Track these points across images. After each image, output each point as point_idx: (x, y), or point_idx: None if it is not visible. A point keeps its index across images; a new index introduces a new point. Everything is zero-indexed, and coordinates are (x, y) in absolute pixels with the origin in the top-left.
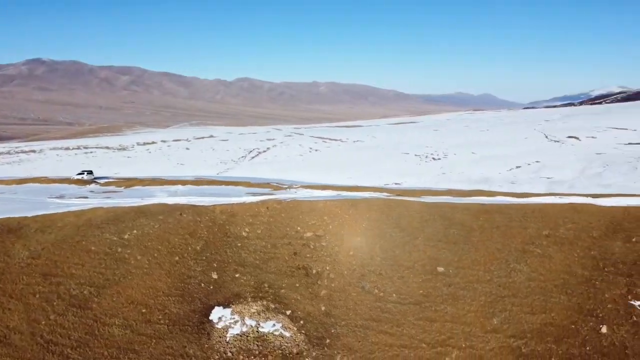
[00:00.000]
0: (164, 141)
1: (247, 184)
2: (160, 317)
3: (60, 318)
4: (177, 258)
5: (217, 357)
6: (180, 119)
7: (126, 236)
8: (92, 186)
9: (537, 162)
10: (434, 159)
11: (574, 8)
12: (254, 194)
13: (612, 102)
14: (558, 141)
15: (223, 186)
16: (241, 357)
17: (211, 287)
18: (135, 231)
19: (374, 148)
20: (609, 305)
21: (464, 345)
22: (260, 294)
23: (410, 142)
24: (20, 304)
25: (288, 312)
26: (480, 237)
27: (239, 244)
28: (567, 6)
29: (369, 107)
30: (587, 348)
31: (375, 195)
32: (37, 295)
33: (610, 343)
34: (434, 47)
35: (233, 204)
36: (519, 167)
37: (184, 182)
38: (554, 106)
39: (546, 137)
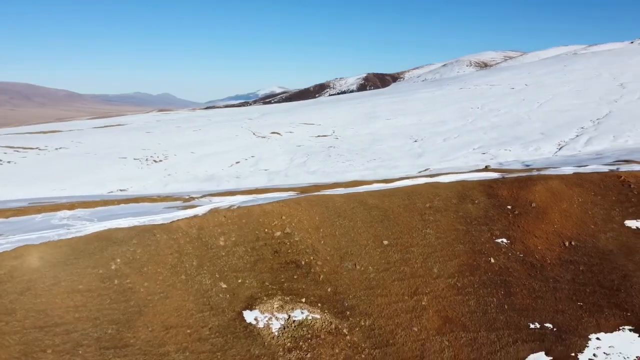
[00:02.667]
0: None
1: (151, 199)
2: (208, 332)
3: None
4: (183, 277)
5: (280, 349)
6: None
7: (113, 267)
8: None
9: (252, 156)
10: (155, 161)
11: (230, 12)
12: (177, 207)
13: (279, 101)
14: (264, 137)
15: (123, 205)
16: (300, 343)
17: (228, 296)
18: (119, 260)
19: (84, 155)
20: (487, 245)
21: (427, 291)
22: (269, 292)
23: (125, 146)
24: None
25: (303, 300)
26: (393, 214)
27: (223, 253)
28: (221, 9)
29: (37, 108)
30: (489, 274)
31: (285, 195)
32: (50, 350)
33: (499, 267)
34: (109, 45)
35: (191, 217)
36: (239, 162)
37: (70, 206)
38: (233, 105)
39: (254, 134)
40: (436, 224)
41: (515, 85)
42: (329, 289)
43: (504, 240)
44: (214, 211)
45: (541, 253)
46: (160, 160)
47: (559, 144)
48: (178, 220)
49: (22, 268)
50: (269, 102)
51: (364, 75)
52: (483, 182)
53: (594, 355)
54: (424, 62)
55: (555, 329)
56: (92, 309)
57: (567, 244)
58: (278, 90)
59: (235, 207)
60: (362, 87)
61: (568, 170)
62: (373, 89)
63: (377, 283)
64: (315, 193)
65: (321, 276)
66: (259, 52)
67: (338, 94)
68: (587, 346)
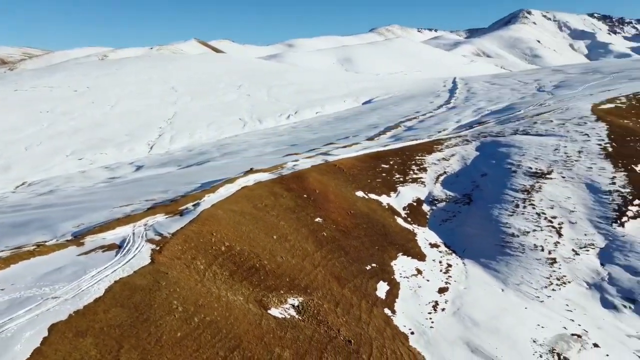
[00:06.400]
0: None
1: (39, 251)
2: (279, 332)
3: None
4: (224, 300)
5: (314, 326)
6: None
7: (180, 309)
8: None
9: None
10: None
11: None
12: (100, 249)
13: None
14: None
15: (22, 262)
16: (318, 317)
17: (250, 305)
18: (175, 302)
19: None
20: (314, 225)
21: (317, 263)
22: (259, 293)
23: None
24: None
25: (282, 291)
26: (256, 215)
27: (211, 275)
28: None
29: None
30: (330, 244)
31: (162, 219)
32: None
33: (331, 238)
34: None
35: (155, 252)
36: None
37: None
38: None
39: None
40: (281, 217)
41: (77, 87)
42: (287, 279)
43: (320, 219)
44: (165, 242)
45: (343, 223)
46: None
47: (149, 144)
48: (154, 257)
49: (90, 349)
50: None
51: None
52: (275, 180)
53: (400, 273)
54: None
55: (377, 266)
56: (206, 346)
57: (349, 213)
58: None
59: (169, 235)
60: None
61: (304, 165)
62: None
63: (300, 266)
64: (203, 211)
65: (276, 271)
66: None
67: None
68: (394, 270)
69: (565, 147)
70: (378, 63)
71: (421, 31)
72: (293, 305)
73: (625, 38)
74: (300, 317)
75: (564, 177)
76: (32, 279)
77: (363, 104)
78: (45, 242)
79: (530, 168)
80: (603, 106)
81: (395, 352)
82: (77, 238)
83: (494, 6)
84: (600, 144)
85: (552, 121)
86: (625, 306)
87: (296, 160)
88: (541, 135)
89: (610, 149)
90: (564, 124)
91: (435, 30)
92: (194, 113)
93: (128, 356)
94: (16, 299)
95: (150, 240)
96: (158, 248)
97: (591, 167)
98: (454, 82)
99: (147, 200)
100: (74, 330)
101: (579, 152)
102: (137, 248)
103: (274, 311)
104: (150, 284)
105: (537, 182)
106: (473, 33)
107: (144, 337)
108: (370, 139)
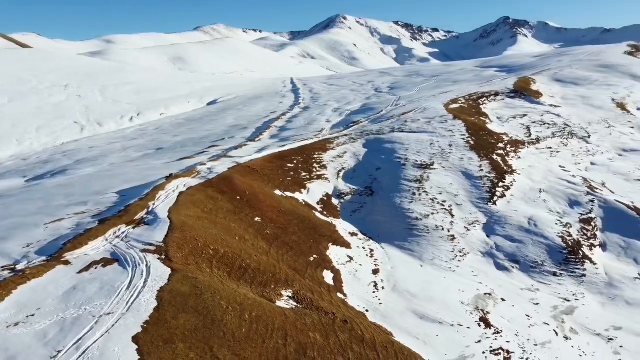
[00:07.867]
0: None
1: (31, 274)
2: (302, 321)
3: None
4: (249, 296)
5: (317, 311)
6: None
7: (228, 307)
8: None
9: None
10: None
11: None
12: (87, 269)
13: None
14: None
15: (19, 294)
16: (314, 305)
17: (261, 299)
18: (223, 302)
19: None
20: (257, 225)
21: (278, 259)
22: (257, 288)
23: None
24: None
25: (272, 286)
26: (211, 219)
27: (217, 278)
28: None
29: None
30: (277, 240)
31: (125, 229)
32: None
33: (274, 235)
34: None
35: (163, 260)
36: None
37: None
38: None
39: None
40: (229, 219)
41: None
42: (270, 275)
43: (259, 218)
44: (165, 251)
45: (278, 220)
46: None
47: None
48: (168, 265)
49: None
50: None
51: None
52: (205, 184)
53: (337, 261)
54: None
55: (318, 257)
56: (267, 337)
57: (280, 210)
58: None
59: (161, 244)
60: None
61: (221, 169)
62: None
63: (271, 262)
64: (170, 217)
65: (259, 268)
66: None
67: None
68: (332, 259)
69: (438, 141)
70: (211, 62)
71: (246, 31)
72: (289, 297)
73: (424, 44)
74: (302, 306)
75: (444, 167)
76: (55, 301)
77: (208, 104)
78: (13, 265)
79: (417, 161)
80: (451, 106)
81: (370, 327)
82: (55, 257)
83: (312, 10)
84: (463, 138)
85: (419, 120)
86: (513, 267)
87: (203, 164)
88: (415, 132)
89: (472, 142)
90: (430, 122)
91: (260, 31)
92: (16, 117)
93: (223, 355)
94: (63, 321)
95: (146, 251)
96: (164, 257)
97: (462, 158)
98: (293, 82)
99: (76, 214)
100: (160, 339)
101: (450, 145)
102: (141, 258)
103: (280, 303)
104: (192, 289)
105: (425, 173)
106: (296, 35)
107: (221, 336)
108: (252, 140)
